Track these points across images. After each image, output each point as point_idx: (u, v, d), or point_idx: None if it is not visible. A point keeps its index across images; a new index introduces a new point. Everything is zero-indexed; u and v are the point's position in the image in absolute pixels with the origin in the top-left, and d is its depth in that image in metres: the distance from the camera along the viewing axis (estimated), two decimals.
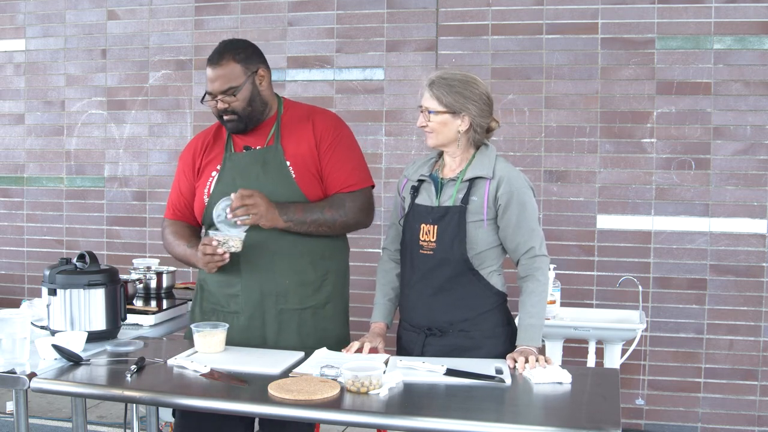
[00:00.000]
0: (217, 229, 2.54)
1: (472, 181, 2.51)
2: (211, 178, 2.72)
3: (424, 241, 2.52)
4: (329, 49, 4.74)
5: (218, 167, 2.71)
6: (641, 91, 4.34)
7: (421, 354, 2.53)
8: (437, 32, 4.60)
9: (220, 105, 2.62)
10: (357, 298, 4.61)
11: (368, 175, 2.77)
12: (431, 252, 2.51)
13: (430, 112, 2.50)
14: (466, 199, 2.49)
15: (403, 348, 2.64)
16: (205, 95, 2.66)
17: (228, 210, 2.49)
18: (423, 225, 2.53)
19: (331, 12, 4.74)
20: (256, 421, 2.77)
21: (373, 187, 2.78)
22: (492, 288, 2.52)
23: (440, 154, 2.63)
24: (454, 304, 2.51)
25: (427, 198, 2.57)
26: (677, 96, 4.30)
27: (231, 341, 2.57)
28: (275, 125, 2.71)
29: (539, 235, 2.52)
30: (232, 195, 2.49)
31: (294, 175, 2.64)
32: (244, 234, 2.54)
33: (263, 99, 2.68)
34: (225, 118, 2.65)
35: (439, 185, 2.55)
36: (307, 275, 2.67)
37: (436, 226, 2.50)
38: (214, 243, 2.51)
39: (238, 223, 2.49)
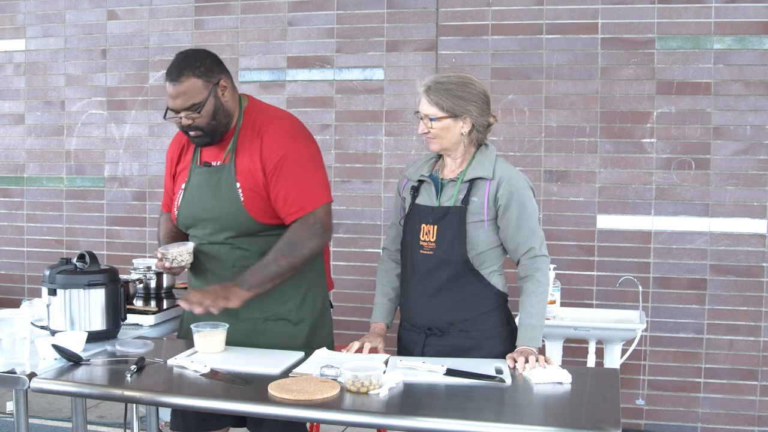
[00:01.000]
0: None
1: (472, 181, 2.51)
2: (181, 191, 2.71)
3: (425, 241, 2.52)
4: (329, 49, 4.74)
5: (186, 181, 2.70)
6: (641, 91, 4.34)
7: (422, 354, 2.53)
8: (437, 32, 4.60)
9: (185, 121, 2.54)
10: (357, 298, 4.63)
11: (319, 194, 2.58)
12: (431, 252, 2.51)
13: (431, 119, 2.49)
14: (466, 200, 2.49)
15: (403, 348, 2.64)
16: (167, 111, 2.57)
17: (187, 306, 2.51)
18: (423, 225, 2.52)
19: (331, 12, 4.74)
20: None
21: (328, 202, 2.61)
22: (492, 288, 2.52)
23: (440, 155, 2.63)
24: (454, 304, 2.51)
25: (427, 198, 2.56)
26: (677, 96, 4.30)
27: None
28: (233, 140, 2.61)
29: (539, 235, 2.52)
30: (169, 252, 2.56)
31: (242, 198, 2.56)
32: (192, 246, 2.61)
33: (227, 110, 2.58)
34: (191, 133, 2.58)
35: (440, 186, 2.55)
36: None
37: (436, 227, 2.50)
38: (164, 261, 2.59)
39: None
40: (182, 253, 2.59)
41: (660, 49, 4.31)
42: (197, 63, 2.55)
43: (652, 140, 4.34)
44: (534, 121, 4.47)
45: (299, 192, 2.55)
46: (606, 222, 4.41)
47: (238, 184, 2.56)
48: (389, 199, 4.63)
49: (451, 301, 2.51)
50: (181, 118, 2.54)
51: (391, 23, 4.65)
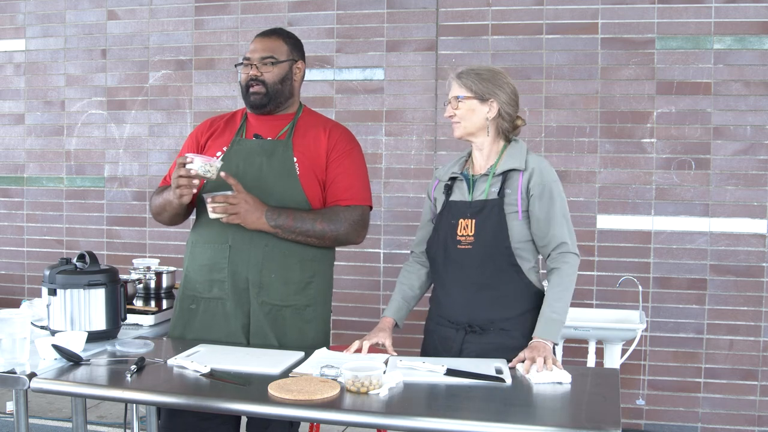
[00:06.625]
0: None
1: (505, 174, 2.51)
2: (214, 159, 2.72)
3: (462, 236, 2.50)
4: (329, 49, 4.74)
5: (224, 149, 2.73)
6: (641, 91, 4.34)
7: (460, 353, 2.51)
8: (437, 32, 4.59)
9: (254, 71, 2.67)
10: (357, 298, 4.63)
11: (368, 196, 2.77)
12: (470, 246, 2.48)
13: (458, 98, 2.51)
14: (501, 192, 2.49)
15: (435, 344, 2.60)
16: (242, 62, 2.72)
17: (208, 200, 2.52)
18: (461, 220, 2.51)
19: (331, 12, 4.74)
20: (243, 424, 2.76)
21: (371, 208, 2.78)
22: (532, 287, 2.49)
23: (469, 153, 2.63)
24: (495, 302, 2.48)
25: (460, 195, 2.57)
26: (677, 96, 4.30)
27: (214, 328, 2.66)
28: (290, 123, 2.74)
29: (571, 231, 2.50)
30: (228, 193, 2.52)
31: (298, 172, 2.66)
32: (221, 163, 2.54)
33: (291, 88, 2.74)
34: (252, 89, 2.69)
35: (471, 182, 2.56)
36: (293, 274, 2.67)
37: (474, 220, 2.49)
38: (190, 169, 2.47)
39: (213, 215, 2.53)
40: (212, 164, 2.49)
41: (660, 49, 4.31)
42: (291, 36, 2.79)
43: (652, 140, 4.34)
44: (534, 121, 4.47)
45: (356, 183, 2.73)
46: (606, 222, 4.41)
47: (295, 159, 2.66)
48: (389, 199, 4.63)
49: (492, 297, 2.48)
50: (254, 65, 2.67)
51: (391, 23, 4.65)
